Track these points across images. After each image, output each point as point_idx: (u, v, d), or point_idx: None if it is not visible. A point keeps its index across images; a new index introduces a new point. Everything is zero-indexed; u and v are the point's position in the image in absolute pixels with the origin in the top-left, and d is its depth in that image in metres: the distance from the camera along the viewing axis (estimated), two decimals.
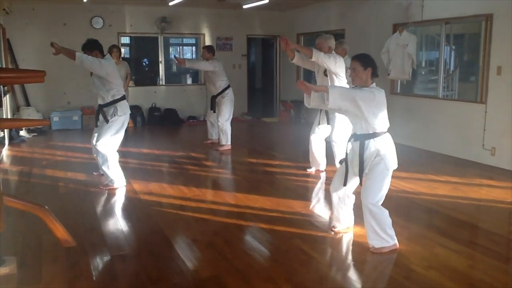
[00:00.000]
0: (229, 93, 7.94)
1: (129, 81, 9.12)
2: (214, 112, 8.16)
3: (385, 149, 3.67)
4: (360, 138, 3.71)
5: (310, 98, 3.81)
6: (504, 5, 6.35)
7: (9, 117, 8.51)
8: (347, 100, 3.58)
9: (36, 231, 4.18)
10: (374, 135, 3.67)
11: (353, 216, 4.21)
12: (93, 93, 5.74)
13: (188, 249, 3.97)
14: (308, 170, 6.37)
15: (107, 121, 5.47)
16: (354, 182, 3.94)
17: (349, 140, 3.93)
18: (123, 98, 5.55)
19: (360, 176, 3.75)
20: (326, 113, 5.95)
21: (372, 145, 3.67)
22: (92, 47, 5.38)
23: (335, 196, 4.07)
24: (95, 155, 5.72)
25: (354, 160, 3.78)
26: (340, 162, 4.04)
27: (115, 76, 5.51)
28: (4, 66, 8.40)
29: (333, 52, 5.86)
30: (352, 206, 4.14)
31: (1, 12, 8.46)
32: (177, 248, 3.96)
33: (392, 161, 3.70)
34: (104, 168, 5.55)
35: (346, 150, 3.95)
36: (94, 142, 5.65)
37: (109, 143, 5.46)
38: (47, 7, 9.89)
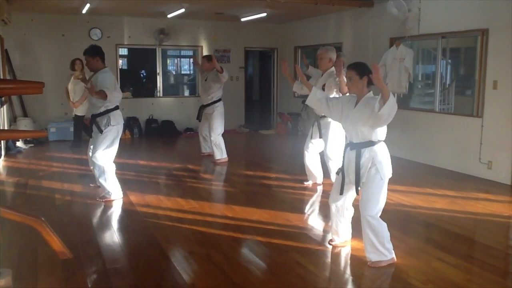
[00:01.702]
0: (219, 106, 7.87)
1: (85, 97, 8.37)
2: (200, 121, 8.16)
3: (380, 157, 3.67)
4: (356, 147, 3.72)
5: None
6: (499, 20, 6.42)
7: (5, 127, 8.50)
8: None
9: (32, 243, 4.15)
10: (370, 143, 3.67)
11: (351, 230, 4.20)
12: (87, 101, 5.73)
13: (185, 261, 3.95)
14: (305, 183, 6.36)
15: (101, 131, 5.45)
16: (351, 193, 3.95)
17: (345, 150, 3.91)
18: (116, 108, 5.54)
19: (357, 185, 3.75)
20: (319, 126, 5.95)
21: (368, 153, 3.68)
22: (95, 53, 5.36)
23: (333, 207, 4.05)
24: (91, 167, 5.70)
25: (350, 168, 3.78)
26: (337, 172, 4.04)
27: (117, 89, 5.54)
28: (1, 76, 8.40)
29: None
30: (350, 219, 4.13)
31: None
32: (174, 260, 3.94)
33: (387, 170, 3.71)
34: (101, 180, 5.51)
35: (343, 159, 3.94)
36: (90, 154, 5.64)
37: (105, 154, 5.44)
38: (45, 18, 9.93)
